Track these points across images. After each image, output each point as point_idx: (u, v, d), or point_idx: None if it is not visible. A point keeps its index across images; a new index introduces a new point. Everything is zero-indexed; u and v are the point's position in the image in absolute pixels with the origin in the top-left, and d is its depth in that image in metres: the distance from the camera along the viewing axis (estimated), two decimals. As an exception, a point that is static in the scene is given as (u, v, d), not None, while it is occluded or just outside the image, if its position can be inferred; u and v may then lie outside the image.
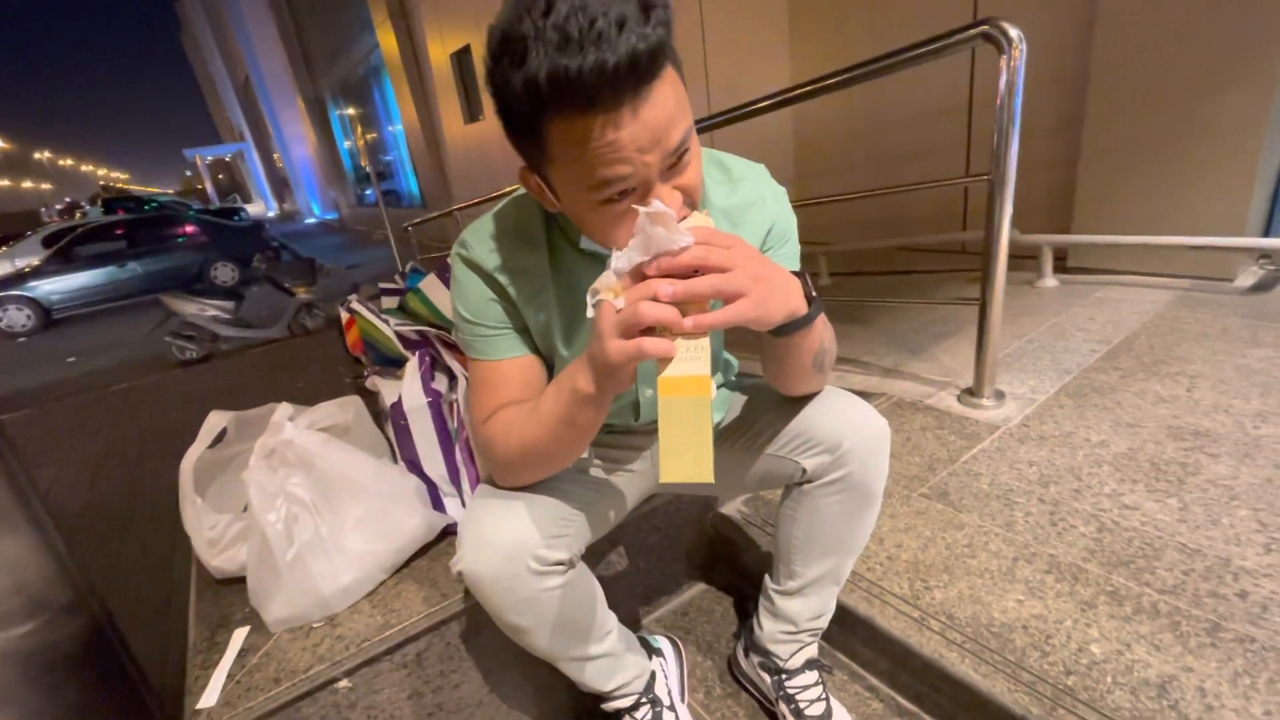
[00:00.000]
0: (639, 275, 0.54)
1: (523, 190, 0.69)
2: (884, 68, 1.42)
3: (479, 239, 0.72)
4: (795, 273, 0.63)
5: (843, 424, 0.78)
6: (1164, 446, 1.23)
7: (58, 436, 3.42)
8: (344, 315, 1.42)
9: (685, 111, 0.56)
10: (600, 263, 0.72)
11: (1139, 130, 2.08)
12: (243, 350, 4.91)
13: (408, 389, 1.11)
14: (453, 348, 1.22)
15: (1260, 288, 1.94)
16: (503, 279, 0.71)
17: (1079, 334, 1.80)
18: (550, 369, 0.78)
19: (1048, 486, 1.16)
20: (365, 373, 1.41)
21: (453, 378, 1.18)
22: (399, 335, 1.21)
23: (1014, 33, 1.19)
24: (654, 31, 0.49)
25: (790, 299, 0.59)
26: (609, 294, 0.54)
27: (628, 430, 0.89)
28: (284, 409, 1.01)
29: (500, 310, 0.73)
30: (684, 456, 0.52)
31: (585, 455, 0.90)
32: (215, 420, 1.13)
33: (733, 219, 0.75)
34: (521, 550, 0.69)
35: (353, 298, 1.49)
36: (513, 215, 0.73)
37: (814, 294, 0.63)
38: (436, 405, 1.13)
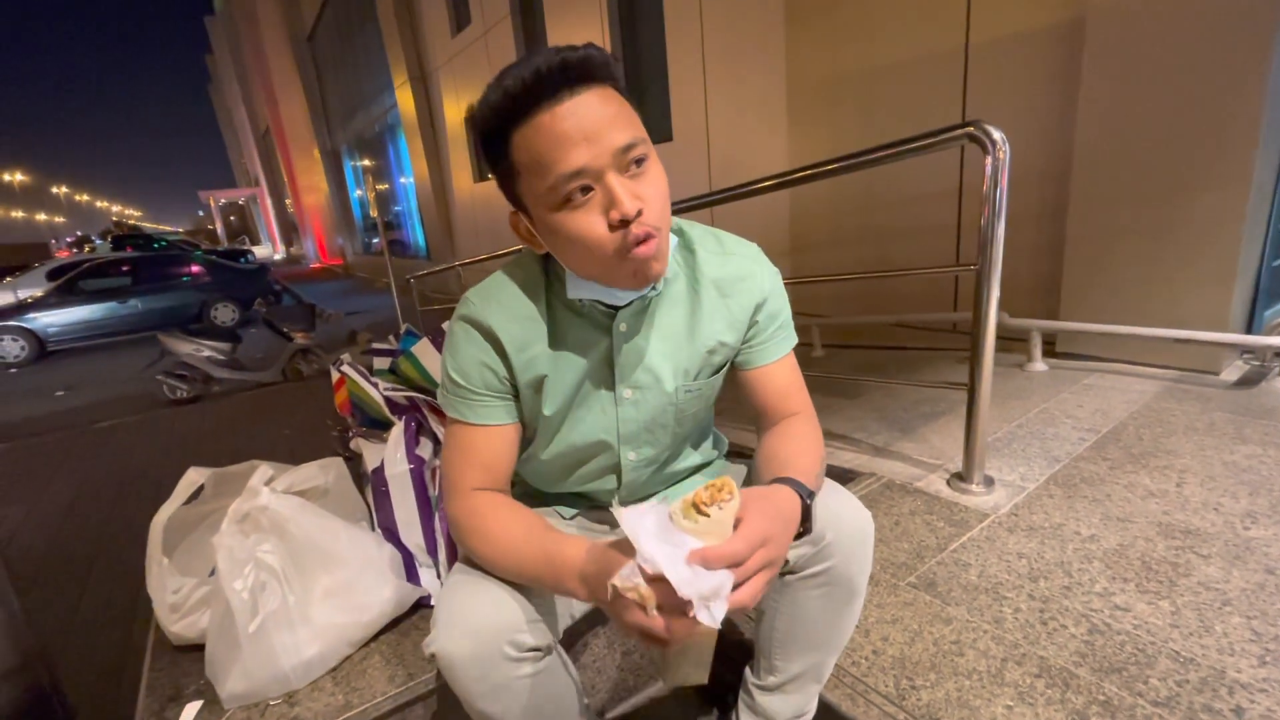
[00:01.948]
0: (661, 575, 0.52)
1: (525, 247, 0.74)
2: (875, 159, 1.49)
3: (484, 297, 0.75)
4: (798, 490, 0.66)
5: (826, 516, 0.77)
6: (1154, 544, 1.21)
7: (33, 473, 3.34)
8: (334, 374, 1.43)
9: (633, 125, 0.63)
10: (583, 316, 0.74)
11: (1121, 224, 2.15)
12: (234, 393, 4.89)
13: (390, 454, 1.10)
14: (441, 413, 1.21)
15: (1245, 382, 1.96)
16: (503, 336, 0.73)
17: (1068, 421, 1.81)
18: (535, 424, 0.79)
19: (1037, 581, 1.14)
20: (350, 433, 1.40)
21: (438, 443, 1.17)
22: (387, 400, 1.21)
23: (997, 135, 1.25)
24: (582, 50, 0.60)
25: (792, 535, 0.62)
26: (634, 597, 0.53)
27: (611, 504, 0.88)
28: (262, 471, 0.99)
29: (490, 376, 0.74)
30: (689, 669, 0.59)
31: (568, 532, 0.88)
32: (193, 477, 1.11)
33: (722, 289, 0.78)
34: (498, 634, 0.67)
35: (345, 356, 1.49)
36: (516, 271, 0.77)
37: (809, 527, 0.67)
38: (419, 471, 1.11)
